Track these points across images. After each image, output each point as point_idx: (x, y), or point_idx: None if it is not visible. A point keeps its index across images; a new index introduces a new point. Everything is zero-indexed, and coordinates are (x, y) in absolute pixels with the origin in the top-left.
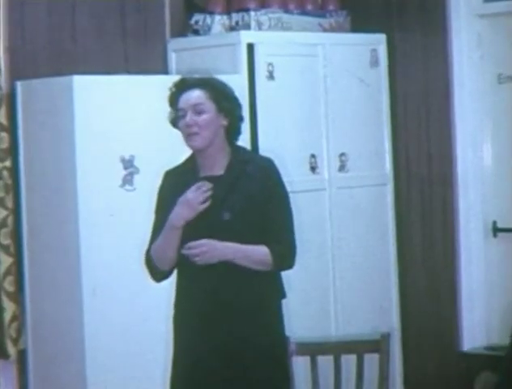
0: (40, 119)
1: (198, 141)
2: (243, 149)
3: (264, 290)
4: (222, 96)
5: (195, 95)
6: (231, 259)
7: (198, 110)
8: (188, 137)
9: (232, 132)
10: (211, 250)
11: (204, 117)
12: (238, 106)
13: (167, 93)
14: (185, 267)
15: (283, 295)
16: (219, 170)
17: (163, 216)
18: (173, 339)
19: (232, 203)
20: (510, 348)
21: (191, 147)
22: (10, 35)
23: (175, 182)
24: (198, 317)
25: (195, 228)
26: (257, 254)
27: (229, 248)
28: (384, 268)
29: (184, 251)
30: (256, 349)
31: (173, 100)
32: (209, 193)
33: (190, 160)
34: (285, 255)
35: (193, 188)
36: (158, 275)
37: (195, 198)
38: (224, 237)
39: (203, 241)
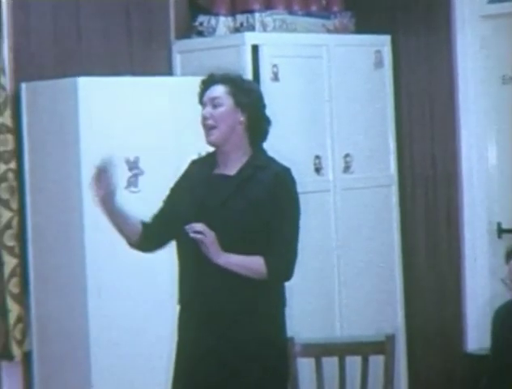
0: (45, 121)
1: (215, 135)
2: (263, 154)
3: (259, 295)
4: (240, 91)
5: (216, 89)
6: (224, 262)
7: (215, 104)
8: (206, 132)
9: (253, 130)
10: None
11: (220, 110)
12: (259, 104)
13: (173, 94)
14: (185, 271)
15: (283, 303)
16: (232, 170)
17: (170, 201)
18: (177, 338)
19: (233, 204)
20: (492, 349)
21: (208, 142)
22: (14, 36)
23: (194, 174)
24: (196, 318)
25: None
26: (251, 263)
27: (225, 254)
28: (389, 269)
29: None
30: (249, 354)
31: (200, 96)
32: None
33: (213, 154)
34: (280, 269)
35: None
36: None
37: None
38: (221, 237)
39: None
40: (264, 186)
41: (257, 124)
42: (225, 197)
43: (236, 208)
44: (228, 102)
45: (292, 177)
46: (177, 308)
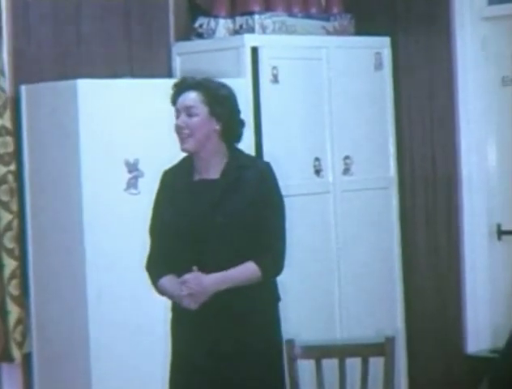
0: (45, 123)
1: (190, 143)
2: (241, 153)
3: (257, 294)
4: (215, 100)
5: (190, 97)
6: (222, 289)
7: (190, 113)
8: (180, 140)
9: (229, 136)
10: (199, 290)
11: (195, 119)
12: (233, 111)
13: (171, 90)
14: (180, 273)
15: (277, 298)
16: (214, 174)
17: (159, 219)
18: (171, 343)
19: (225, 206)
20: (507, 350)
21: (183, 149)
22: (14, 39)
23: (171, 184)
24: (193, 321)
25: (189, 232)
26: (245, 273)
27: (217, 280)
28: (389, 271)
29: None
30: (250, 352)
31: (174, 100)
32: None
33: (187, 160)
34: (272, 265)
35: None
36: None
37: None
38: (216, 241)
39: (189, 277)
40: (250, 185)
41: (232, 130)
42: (214, 201)
43: (226, 211)
44: (202, 111)
45: (273, 171)
46: (169, 314)
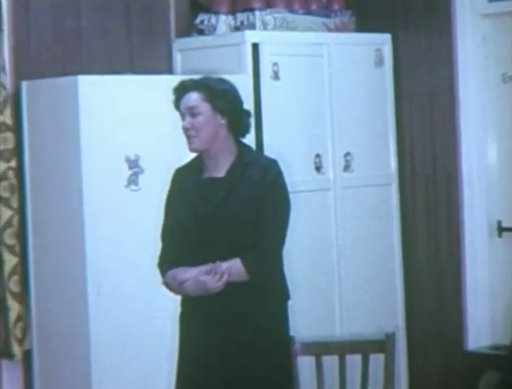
0: (45, 119)
1: (196, 143)
2: (249, 150)
3: (265, 292)
4: (216, 96)
5: (191, 98)
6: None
7: (193, 113)
8: (188, 141)
9: (236, 128)
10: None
11: (199, 119)
12: (236, 102)
13: (172, 96)
14: None
15: (287, 296)
16: (221, 172)
17: (170, 218)
18: (178, 339)
19: (228, 205)
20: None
21: (190, 149)
22: (15, 35)
23: (182, 181)
24: (200, 318)
25: (195, 230)
26: (232, 269)
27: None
28: (389, 268)
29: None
30: (256, 351)
31: (177, 104)
32: (225, 277)
33: (199, 159)
34: (257, 265)
35: (208, 271)
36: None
37: (213, 284)
38: (219, 240)
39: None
40: (254, 183)
41: (238, 122)
42: (219, 200)
43: (231, 209)
44: (205, 109)
45: (279, 168)
46: (179, 309)
